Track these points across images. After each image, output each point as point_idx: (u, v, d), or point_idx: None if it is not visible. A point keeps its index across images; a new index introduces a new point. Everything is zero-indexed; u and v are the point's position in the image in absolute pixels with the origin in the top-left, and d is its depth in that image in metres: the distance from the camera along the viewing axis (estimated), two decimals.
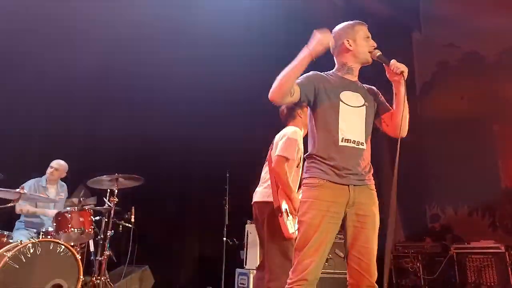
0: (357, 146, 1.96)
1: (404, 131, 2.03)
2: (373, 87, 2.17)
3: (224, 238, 4.71)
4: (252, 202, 2.91)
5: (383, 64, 2.03)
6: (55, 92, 4.72)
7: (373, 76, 2.21)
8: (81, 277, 3.32)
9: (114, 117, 5.02)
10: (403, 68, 1.96)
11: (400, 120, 1.98)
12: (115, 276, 4.09)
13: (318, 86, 1.99)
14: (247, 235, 4.46)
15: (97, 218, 3.83)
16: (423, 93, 6.41)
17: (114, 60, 4.94)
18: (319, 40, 1.89)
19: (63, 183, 4.25)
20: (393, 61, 1.98)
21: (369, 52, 2.05)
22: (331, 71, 2.14)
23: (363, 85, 2.14)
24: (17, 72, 4.59)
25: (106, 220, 3.83)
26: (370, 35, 2.09)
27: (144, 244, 4.40)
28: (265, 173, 2.91)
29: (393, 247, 5.63)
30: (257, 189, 2.92)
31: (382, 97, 2.15)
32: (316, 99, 2.00)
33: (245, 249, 4.44)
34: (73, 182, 4.26)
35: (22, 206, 3.83)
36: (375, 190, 2.01)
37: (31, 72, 4.70)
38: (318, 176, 1.92)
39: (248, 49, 5.26)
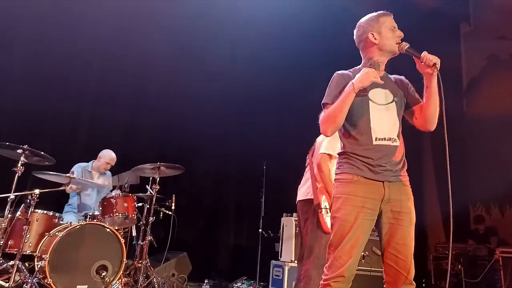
0: (392, 144, 1.93)
1: (433, 124, 1.98)
2: (402, 77, 2.10)
3: (260, 230, 4.75)
4: (297, 201, 3.05)
5: (413, 57, 1.94)
6: (102, 83, 4.93)
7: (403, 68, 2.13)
8: (124, 260, 3.47)
9: (158, 108, 5.18)
10: (436, 60, 1.87)
11: (430, 114, 1.94)
12: (155, 261, 4.24)
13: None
14: (283, 228, 4.48)
15: (140, 204, 3.97)
16: (470, 88, 6.11)
17: (158, 54, 5.09)
18: (362, 80, 1.87)
19: (108, 171, 4.43)
20: (424, 53, 1.90)
21: (397, 43, 1.97)
22: (357, 66, 2.08)
23: (392, 76, 2.08)
24: (67, 61, 4.82)
25: (148, 206, 3.96)
26: (396, 26, 2.01)
27: (183, 232, 4.53)
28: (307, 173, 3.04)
29: (433, 248, 5.45)
30: (301, 188, 3.03)
31: (412, 88, 2.08)
32: None
33: (280, 241, 4.46)
34: (117, 169, 4.44)
35: (73, 189, 4.01)
36: (410, 186, 1.96)
37: (78, 65, 4.94)
38: (352, 172, 1.91)
39: (290, 49, 5.25)
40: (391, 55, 2.02)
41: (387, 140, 1.93)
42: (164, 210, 4.12)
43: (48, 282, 3.06)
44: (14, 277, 3.04)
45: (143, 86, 5.40)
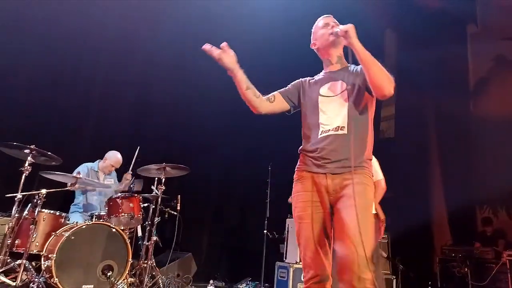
0: (336, 132, 1.93)
1: (382, 88, 1.84)
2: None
3: (265, 231, 4.74)
4: None
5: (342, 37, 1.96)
6: (107, 82, 4.96)
7: None
8: (130, 260, 3.48)
9: (162, 108, 5.19)
10: (347, 27, 1.89)
11: (371, 78, 1.85)
12: (160, 261, 4.25)
13: (300, 92, 2.13)
14: (288, 229, 4.47)
15: (145, 205, 3.98)
16: (476, 89, 6.06)
17: (164, 53, 5.10)
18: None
19: (113, 171, 4.44)
20: (337, 28, 1.95)
21: (330, 34, 2.01)
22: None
23: (355, 67, 2.07)
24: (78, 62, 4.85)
25: (154, 207, 3.97)
26: (330, 22, 2.09)
27: (188, 232, 4.53)
28: None
29: (439, 250, 5.41)
30: None
31: None
32: (301, 104, 2.12)
33: (285, 243, 4.45)
34: (122, 170, 4.45)
35: (79, 189, 4.04)
36: (368, 175, 1.91)
37: (84, 65, 4.97)
38: (302, 169, 1.98)
39: (298, 48, 5.22)
40: (334, 45, 2.07)
41: (333, 130, 1.94)
42: (170, 211, 4.13)
43: (55, 282, 3.08)
44: (21, 276, 3.06)
45: (149, 85, 5.42)
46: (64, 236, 3.21)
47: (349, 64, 2.10)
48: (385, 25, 6.19)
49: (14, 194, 3.28)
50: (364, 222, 1.74)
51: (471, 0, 6.16)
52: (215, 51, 1.89)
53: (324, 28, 2.07)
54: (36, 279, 3.10)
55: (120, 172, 4.45)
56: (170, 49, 5.14)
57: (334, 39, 2.01)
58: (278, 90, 2.14)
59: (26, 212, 3.36)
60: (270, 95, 2.11)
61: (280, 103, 2.10)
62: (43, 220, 3.47)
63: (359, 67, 2.02)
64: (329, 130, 1.94)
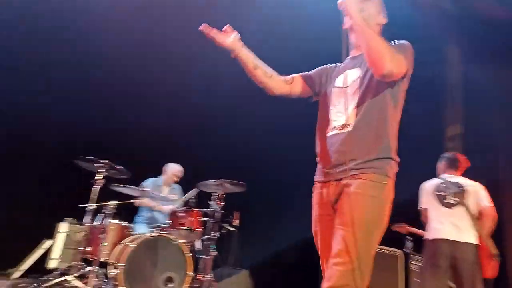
0: (341, 131, 1.65)
1: (380, 66, 1.55)
2: None
3: None
4: (446, 239, 3.07)
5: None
6: (170, 99, 5.20)
7: None
8: (190, 273, 3.57)
9: (222, 124, 5.32)
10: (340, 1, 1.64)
11: (368, 54, 1.58)
12: (217, 276, 4.29)
13: (322, 80, 1.89)
14: None
15: (204, 219, 4.08)
16: None
17: (225, 72, 5.23)
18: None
19: (177, 185, 4.63)
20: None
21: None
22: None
23: None
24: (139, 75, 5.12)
25: (212, 222, 4.05)
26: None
27: (245, 248, 4.55)
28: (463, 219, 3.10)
29: None
30: (460, 231, 3.08)
31: None
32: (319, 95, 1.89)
33: None
34: (184, 183, 4.62)
35: (144, 202, 4.26)
36: (380, 180, 1.56)
37: (148, 82, 5.22)
38: (315, 180, 1.78)
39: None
40: (348, 25, 1.76)
41: (338, 128, 1.67)
42: (227, 226, 4.19)
43: None
44: (91, 282, 3.25)
45: (208, 102, 5.57)
46: (130, 247, 3.37)
47: None
48: (448, 40, 5.94)
49: (88, 205, 3.54)
50: (361, 247, 1.44)
51: None
52: (213, 33, 1.71)
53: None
54: (105, 286, 3.27)
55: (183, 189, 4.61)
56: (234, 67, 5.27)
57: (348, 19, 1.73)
58: (300, 73, 1.91)
59: (97, 222, 3.59)
60: (289, 76, 1.89)
61: (299, 87, 1.88)
62: (112, 230, 3.67)
63: None
64: (334, 128, 1.70)
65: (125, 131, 5.10)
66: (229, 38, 1.72)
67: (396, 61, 1.57)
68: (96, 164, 3.60)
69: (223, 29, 1.74)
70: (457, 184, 3.19)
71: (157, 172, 4.63)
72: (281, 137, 5.53)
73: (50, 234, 4.11)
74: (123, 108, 5.12)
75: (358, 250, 1.44)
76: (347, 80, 1.73)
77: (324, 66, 1.94)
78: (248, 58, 1.76)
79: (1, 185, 4.33)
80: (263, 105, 5.35)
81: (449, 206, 3.15)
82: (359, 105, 1.65)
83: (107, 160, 3.59)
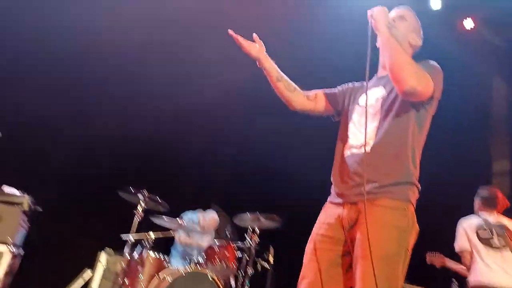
0: (359, 151, 1.59)
1: (403, 82, 1.49)
2: None
3: None
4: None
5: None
6: (207, 133, 5.31)
7: None
8: None
9: (261, 157, 5.33)
10: (373, 9, 1.61)
11: (392, 69, 1.53)
12: None
13: (346, 99, 1.85)
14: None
15: (239, 255, 4.03)
16: None
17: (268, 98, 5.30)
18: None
19: None
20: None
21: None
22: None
23: None
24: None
25: (247, 258, 3.99)
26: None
27: (280, 286, 4.43)
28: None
29: None
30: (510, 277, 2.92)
31: None
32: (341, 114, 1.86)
33: None
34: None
35: (180, 235, 4.30)
36: (399, 209, 1.48)
37: (186, 115, 5.35)
38: (328, 200, 1.73)
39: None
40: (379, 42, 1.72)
41: (358, 147, 1.61)
42: (262, 263, 4.11)
43: None
44: None
45: (247, 135, 5.61)
46: (167, 281, 3.38)
47: None
48: (495, 71, 5.74)
49: (127, 235, 3.61)
50: (383, 282, 1.34)
51: None
52: (241, 39, 1.75)
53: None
54: None
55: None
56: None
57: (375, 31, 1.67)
58: (324, 90, 1.88)
59: (135, 253, 3.64)
60: (311, 91, 1.86)
61: (321, 104, 1.85)
62: (149, 262, 3.71)
63: None
64: (351, 146, 1.65)
65: (164, 163, 5.25)
66: (255, 47, 1.76)
67: (421, 78, 1.51)
68: (138, 195, 3.70)
69: (253, 36, 1.78)
70: (500, 226, 2.98)
71: (196, 205, 4.69)
72: (322, 174, 5.44)
73: (92, 263, 4.21)
74: (164, 144, 5.25)
75: (381, 285, 1.34)
76: (370, 98, 1.68)
77: (349, 84, 1.91)
78: (272, 69, 1.78)
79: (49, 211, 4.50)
80: (304, 139, 5.37)
81: (495, 249, 2.94)
82: (380, 125, 1.60)
83: (147, 192, 3.68)
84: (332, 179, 1.72)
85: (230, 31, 1.73)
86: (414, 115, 1.59)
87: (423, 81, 1.52)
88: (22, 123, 4.35)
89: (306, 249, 1.63)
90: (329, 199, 1.71)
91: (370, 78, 1.77)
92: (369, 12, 1.62)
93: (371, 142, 1.57)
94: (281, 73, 1.80)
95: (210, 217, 4.49)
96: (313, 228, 1.66)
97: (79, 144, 4.90)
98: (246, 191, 5.23)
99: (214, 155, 5.54)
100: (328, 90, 1.88)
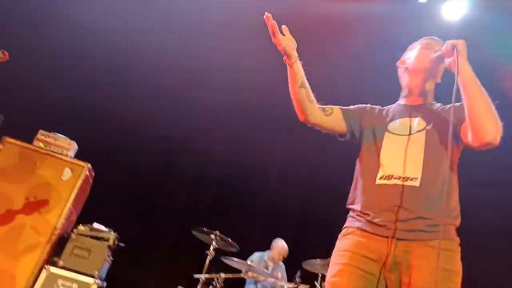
0: (404, 183, 1.45)
1: (486, 133, 1.37)
2: (460, 103, 1.52)
3: None
4: None
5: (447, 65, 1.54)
6: (281, 176, 5.36)
7: None
8: None
9: (329, 199, 5.24)
10: (455, 41, 1.44)
11: (477, 118, 1.38)
12: None
13: (365, 124, 1.70)
14: None
15: None
16: None
17: None
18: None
19: (281, 263, 4.60)
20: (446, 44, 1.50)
21: (435, 55, 1.58)
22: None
23: (443, 105, 1.65)
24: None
25: None
26: (437, 46, 1.61)
27: None
28: None
29: None
30: None
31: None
32: (361, 136, 1.71)
33: None
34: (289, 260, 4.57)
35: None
36: (453, 250, 1.39)
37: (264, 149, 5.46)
38: (349, 225, 1.55)
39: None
40: (430, 73, 1.66)
41: (398, 178, 1.47)
42: None
43: None
44: None
45: (312, 178, 5.57)
46: None
47: (434, 102, 1.70)
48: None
49: (199, 275, 3.70)
50: None
51: None
52: (275, 26, 1.52)
53: (427, 49, 1.66)
54: None
55: (286, 266, 4.56)
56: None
57: (435, 63, 1.60)
58: (340, 107, 1.73)
59: None
60: (327, 106, 1.70)
61: (336, 121, 1.69)
62: None
63: (448, 106, 1.60)
64: (391, 177, 1.49)
65: (236, 204, 5.38)
66: (289, 41, 1.56)
67: (498, 127, 1.40)
68: (211, 235, 3.81)
69: (282, 27, 1.58)
70: None
71: (265, 246, 4.69)
72: None
73: None
74: (234, 185, 5.37)
75: None
76: (408, 128, 1.59)
77: (363, 105, 1.80)
78: (299, 73, 1.60)
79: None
80: None
81: None
82: (426, 159, 1.50)
83: (218, 232, 3.78)
84: (358, 207, 1.55)
85: (268, 15, 1.52)
86: (456, 150, 1.57)
87: (500, 131, 1.42)
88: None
89: (336, 281, 1.46)
90: (354, 225, 1.53)
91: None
92: (449, 42, 1.49)
93: (417, 176, 1.47)
94: (305, 79, 1.64)
95: (279, 243, 4.47)
96: (338, 257, 1.50)
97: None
98: (316, 236, 5.12)
99: (283, 206, 5.54)
100: (344, 108, 1.75)
